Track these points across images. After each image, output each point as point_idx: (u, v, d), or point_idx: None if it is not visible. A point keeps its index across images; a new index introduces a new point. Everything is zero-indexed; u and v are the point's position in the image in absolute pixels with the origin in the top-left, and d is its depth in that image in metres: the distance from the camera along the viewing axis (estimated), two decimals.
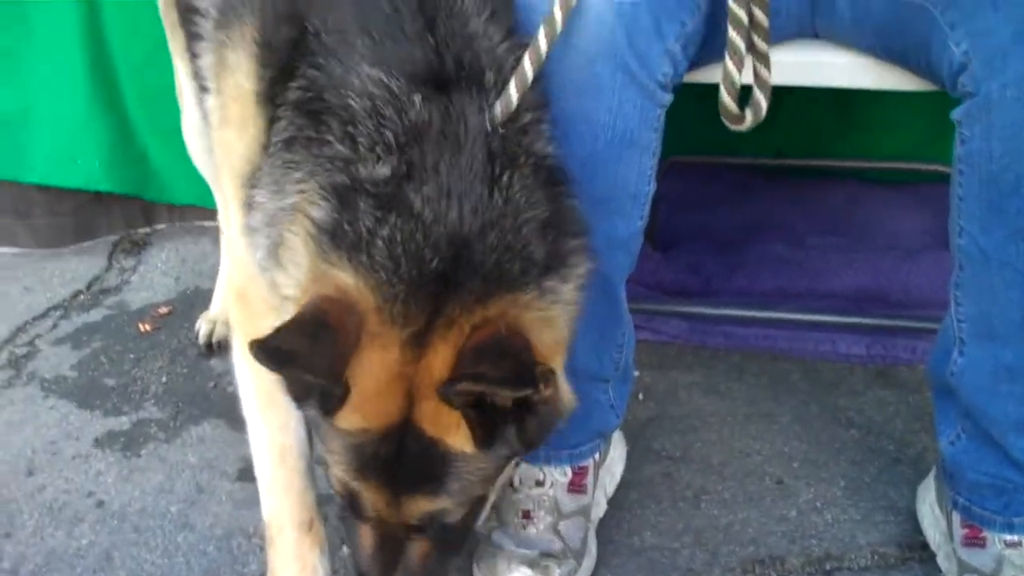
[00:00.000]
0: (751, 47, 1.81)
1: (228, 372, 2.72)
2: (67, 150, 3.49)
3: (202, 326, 2.95)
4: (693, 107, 1.93)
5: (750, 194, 3.29)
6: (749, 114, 1.86)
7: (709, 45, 1.90)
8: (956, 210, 1.79)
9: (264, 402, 1.93)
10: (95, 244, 3.58)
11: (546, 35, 1.63)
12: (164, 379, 2.82)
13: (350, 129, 1.57)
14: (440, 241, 1.50)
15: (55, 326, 3.10)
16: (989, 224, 1.74)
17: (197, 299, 3.18)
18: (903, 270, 2.93)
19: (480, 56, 1.63)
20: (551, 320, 1.59)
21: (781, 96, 1.96)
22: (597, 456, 2.20)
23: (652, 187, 1.89)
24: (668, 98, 1.81)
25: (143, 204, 3.64)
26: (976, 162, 1.71)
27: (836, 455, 2.45)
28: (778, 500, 2.31)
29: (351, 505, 1.64)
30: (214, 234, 3.29)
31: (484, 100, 1.59)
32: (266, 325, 1.86)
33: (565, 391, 1.61)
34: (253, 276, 1.79)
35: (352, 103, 1.58)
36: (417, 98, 1.56)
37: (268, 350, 1.42)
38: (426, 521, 1.60)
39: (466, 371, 1.44)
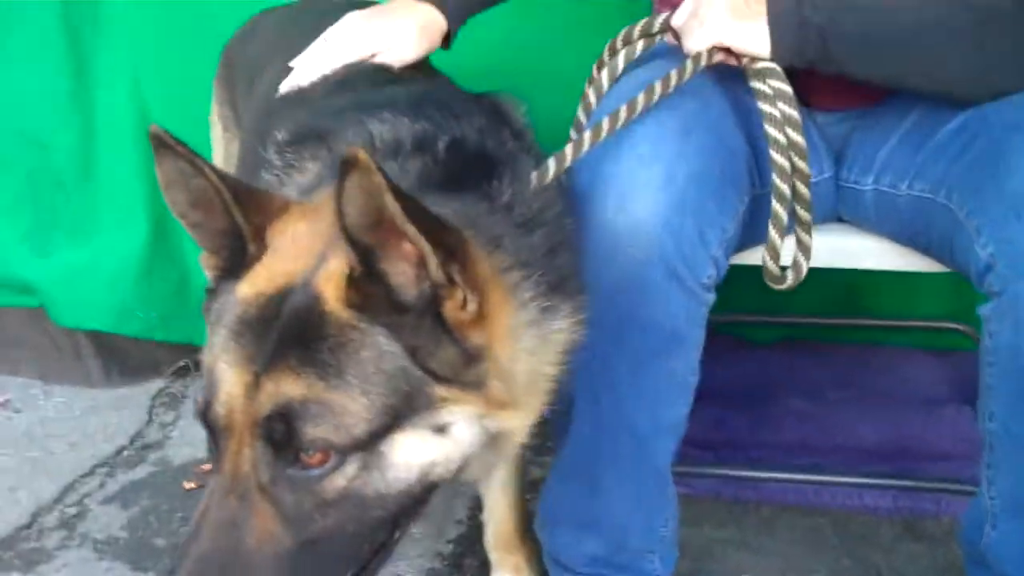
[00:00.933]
0: (794, 216, 1.99)
1: None
2: (128, 302, 3.67)
3: None
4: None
5: (770, 351, 3.42)
6: (790, 275, 2.05)
7: (747, 233, 2.04)
8: (985, 396, 1.91)
9: None
10: (132, 394, 3.69)
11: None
12: None
13: None
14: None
15: (103, 485, 3.17)
16: (1019, 411, 1.85)
17: None
18: (923, 424, 3.03)
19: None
20: (521, 299, 1.58)
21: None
22: None
23: (696, 377, 2.02)
24: (712, 297, 1.95)
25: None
26: (1005, 355, 1.83)
27: None
28: None
29: (204, 410, 1.43)
30: None
31: None
32: None
33: (502, 356, 1.51)
34: None
35: None
36: None
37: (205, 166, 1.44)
38: (282, 413, 1.36)
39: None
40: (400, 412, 1.41)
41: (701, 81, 2.02)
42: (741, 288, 2.21)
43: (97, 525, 2.97)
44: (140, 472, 3.24)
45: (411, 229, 1.34)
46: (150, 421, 3.53)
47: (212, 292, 1.57)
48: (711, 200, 1.91)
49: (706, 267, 1.90)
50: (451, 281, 1.41)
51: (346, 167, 1.28)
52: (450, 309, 1.43)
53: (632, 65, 2.13)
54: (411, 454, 1.43)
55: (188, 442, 3.39)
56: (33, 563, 2.80)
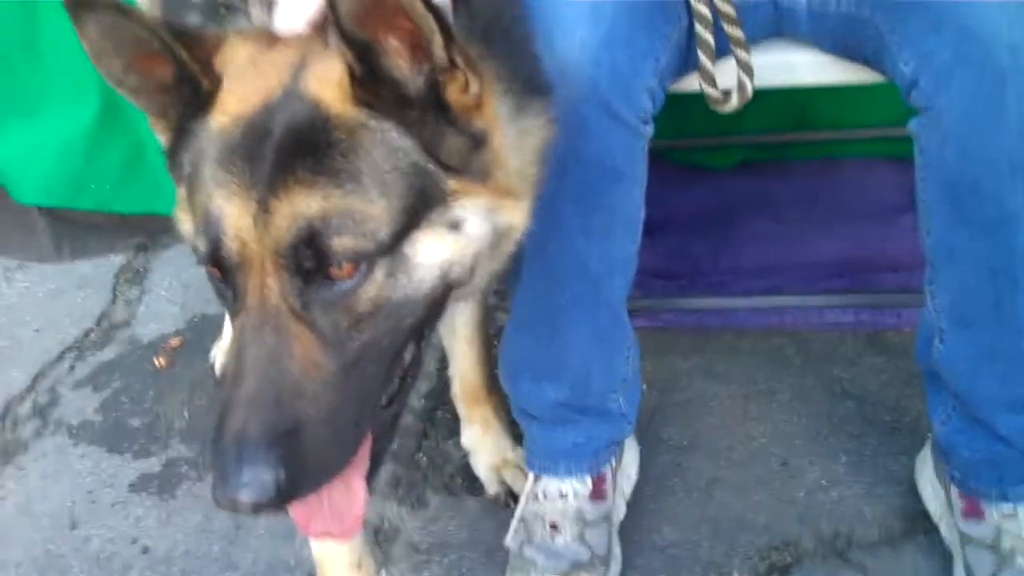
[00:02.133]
0: (723, 37, 1.95)
1: None
2: (80, 175, 3.61)
3: (216, 356, 3.04)
4: (669, 98, 2.02)
5: (727, 175, 3.39)
6: (735, 96, 2.01)
7: (683, 59, 2.00)
8: (922, 212, 1.92)
9: None
10: (95, 273, 3.66)
11: None
12: (186, 414, 2.93)
13: None
14: None
15: (72, 368, 3.19)
16: (953, 224, 1.86)
17: (205, 326, 3.26)
18: (883, 235, 3.03)
19: None
20: (499, 90, 1.54)
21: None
22: (614, 462, 2.32)
23: (643, 212, 2.01)
24: (650, 130, 1.91)
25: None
26: (934, 168, 1.83)
27: (835, 429, 2.58)
28: (786, 482, 2.44)
29: (215, 254, 1.38)
30: None
31: None
32: None
33: (497, 133, 1.50)
34: None
35: None
36: None
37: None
38: (305, 237, 1.33)
39: None
40: (418, 210, 1.38)
41: None
42: (695, 114, 2.17)
43: (70, 410, 3.00)
44: (109, 353, 3.25)
45: (419, 7, 1.30)
46: (115, 300, 3.52)
47: (173, 150, 1.50)
48: (641, 31, 1.87)
49: (641, 99, 1.87)
50: (452, 63, 1.38)
51: None
52: (453, 93, 1.41)
53: None
54: (432, 252, 1.41)
55: (155, 318, 3.39)
56: (10, 455, 2.84)
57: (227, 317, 3.03)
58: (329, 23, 1.36)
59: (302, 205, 1.32)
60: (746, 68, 2.01)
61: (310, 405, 1.33)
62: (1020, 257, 1.83)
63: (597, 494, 2.28)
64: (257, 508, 1.31)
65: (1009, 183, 1.76)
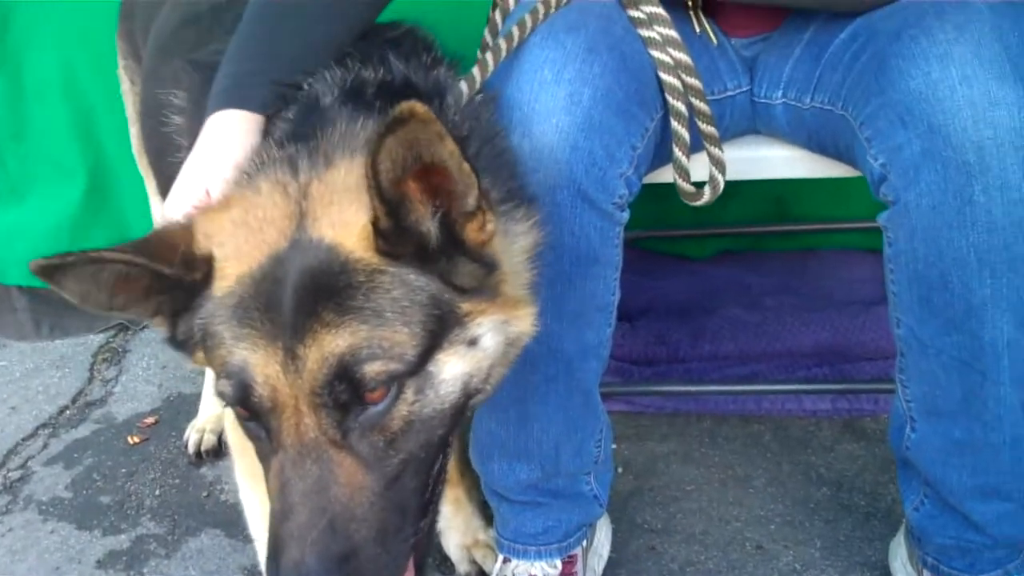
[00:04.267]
0: (698, 134, 2.01)
1: (219, 480, 2.83)
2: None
3: (190, 436, 3.02)
4: (648, 189, 2.05)
5: (706, 263, 3.43)
6: (707, 190, 2.06)
7: (660, 154, 2.03)
8: (892, 303, 1.93)
9: None
10: (74, 353, 3.66)
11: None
12: (158, 492, 2.89)
13: None
14: None
15: (46, 445, 3.16)
16: (922, 316, 1.86)
17: (182, 405, 3.26)
18: (859, 325, 3.05)
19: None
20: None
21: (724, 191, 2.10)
22: (585, 542, 2.30)
23: (617, 296, 2.01)
24: (625, 216, 1.93)
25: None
26: (903, 261, 1.84)
27: (811, 514, 2.56)
28: (760, 566, 2.42)
29: (245, 400, 1.42)
30: None
31: None
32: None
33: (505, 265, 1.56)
34: None
35: None
36: None
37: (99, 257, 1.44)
38: (338, 373, 1.37)
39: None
40: (438, 333, 1.45)
41: (604, 2, 2.00)
42: (676, 204, 2.19)
43: (41, 487, 2.97)
44: (83, 431, 3.23)
45: (466, 167, 1.38)
46: (92, 379, 3.51)
47: (175, 329, 1.56)
48: (618, 119, 1.88)
49: (617, 187, 1.89)
50: (479, 208, 1.46)
51: (398, 122, 1.29)
52: (471, 232, 1.48)
53: None
54: (454, 369, 1.47)
55: (131, 397, 3.38)
56: None
57: (203, 396, 3.04)
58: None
59: (331, 345, 1.37)
60: (718, 163, 2.06)
61: (362, 526, 1.38)
62: (989, 350, 1.84)
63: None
64: None
65: (977, 277, 1.77)
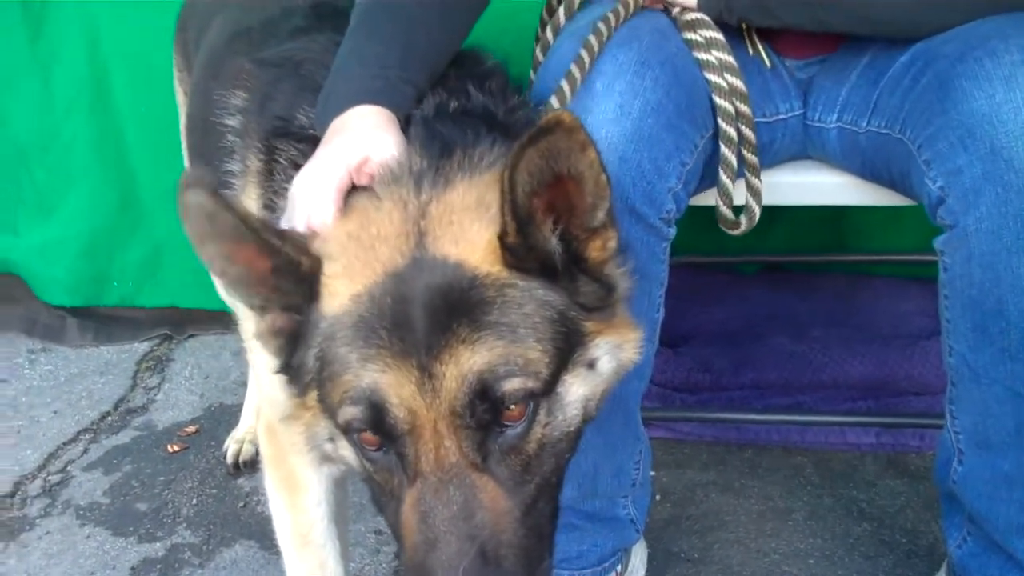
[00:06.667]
0: (741, 160, 1.98)
1: (256, 491, 2.82)
2: (103, 273, 3.72)
3: (230, 447, 3.03)
4: (696, 212, 2.04)
5: (754, 289, 3.38)
6: (744, 220, 2.04)
7: (706, 173, 2.01)
8: (945, 331, 1.89)
9: (299, 541, 1.99)
10: (118, 360, 3.69)
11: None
12: (195, 501, 2.90)
13: None
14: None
15: (86, 451, 3.18)
16: (976, 344, 1.82)
17: (222, 416, 3.27)
18: (907, 358, 2.99)
19: None
20: None
21: (774, 212, 2.07)
22: (619, 568, 2.27)
23: (661, 314, 1.99)
24: (672, 232, 1.91)
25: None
26: (959, 287, 1.80)
27: (851, 550, 2.51)
28: None
29: (377, 424, 1.38)
30: (233, 346, 3.41)
31: None
32: (297, 462, 1.97)
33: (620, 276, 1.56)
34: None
35: None
36: None
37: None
38: (477, 391, 1.35)
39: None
40: (565, 353, 1.43)
41: (659, 17, 1.99)
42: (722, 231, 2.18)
43: (80, 492, 2.98)
44: (123, 437, 3.24)
45: (604, 179, 1.39)
46: (135, 386, 3.53)
47: (289, 357, 1.53)
48: (668, 133, 1.86)
49: (665, 201, 1.87)
50: (603, 224, 1.46)
51: (543, 131, 1.30)
52: (594, 250, 1.48)
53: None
54: (577, 391, 1.45)
55: (173, 405, 3.39)
56: (15, 532, 2.82)
57: (245, 407, 3.04)
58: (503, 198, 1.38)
59: (469, 362, 1.34)
60: (756, 194, 2.04)
61: (510, 553, 1.36)
62: None
63: None
64: None
65: None
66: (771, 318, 3.28)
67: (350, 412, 1.39)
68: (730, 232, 2.08)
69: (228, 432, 3.10)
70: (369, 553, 2.61)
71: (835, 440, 2.90)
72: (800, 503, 2.69)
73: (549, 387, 1.41)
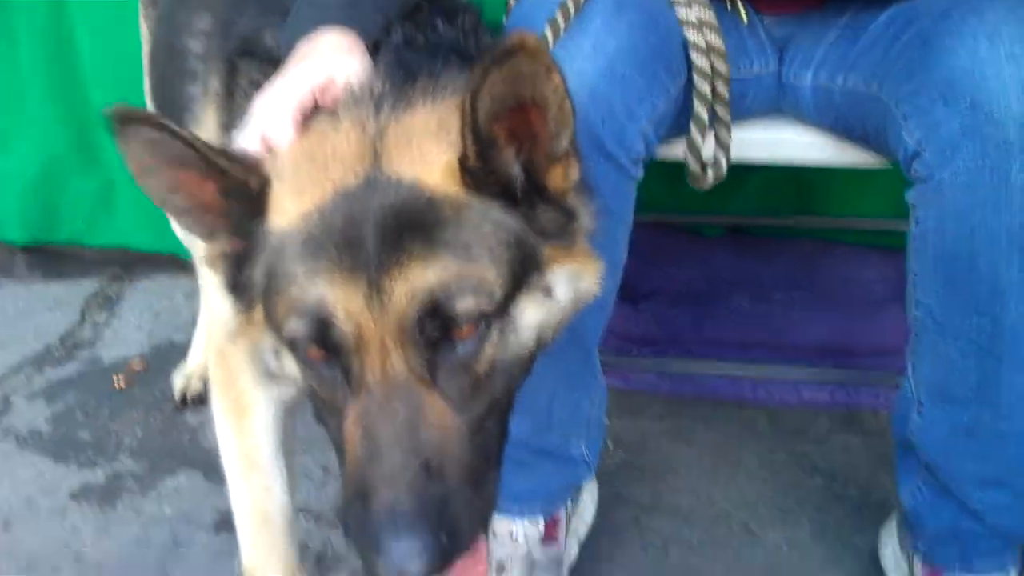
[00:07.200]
0: (714, 116, 1.96)
1: (204, 426, 2.78)
2: (53, 210, 3.65)
3: (177, 381, 2.97)
4: (663, 170, 2.03)
5: (717, 252, 3.37)
6: (710, 173, 2.00)
7: (676, 123, 1.99)
8: (912, 284, 1.88)
9: (246, 464, 1.95)
10: (67, 296, 3.62)
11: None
12: (140, 433, 2.85)
13: None
14: None
15: (29, 381, 3.13)
16: (944, 297, 1.82)
17: (171, 353, 3.20)
18: (866, 324, 2.99)
19: None
20: None
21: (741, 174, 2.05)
22: (569, 505, 2.24)
23: (624, 256, 1.97)
24: (640, 173, 1.89)
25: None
26: (931, 241, 1.79)
27: (802, 501, 2.50)
28: (744, 544, 2.37)
29: (322, 338, 1.34)
30: (186, 287, 3.35)
31: None
32: (246, 385, 1.92)
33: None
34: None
35: None
36: None
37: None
38: (428, 308, 1.31)
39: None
40: (520, 276, 1.40)
41: None
42: (688, 187, 2.16)
43: (21, 420, 2.93)
44: (69, 370, 3.19)
45: (568, 105, 1.35)
46: (82, 322, 3.46)
47: (236, 274, 1.49)
48: (640, 75, 1.85)
49: (635, 141, 1.85)
50: (566, 152, 1.43)
51: (506, 53, 1.26)
52: (555, 179, 1.45)
53: None
54: (532, 315, 1.42)
55: (121, 342, 3.33)
56: None
57: (194, 343, 2.99)
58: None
59: (421, 279, 1.31)
60: (724, 148, 2.03)
61: (455, 469, 1.32)
62: (1009, 335, 1.79)
63: (549, 537, 2.20)
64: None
65: (1005, 259, 1.73)
66: (734, 282, 3.27)
67: (295, 325, 1.35)
68: (696, 187, 2.06)
69: (176, 369, 3.04)
70: (316, 486, 2.57)
71: (790, 397, 2.88)
72: (752, 455, 2.68)
73: (502, 309, 1.37)
